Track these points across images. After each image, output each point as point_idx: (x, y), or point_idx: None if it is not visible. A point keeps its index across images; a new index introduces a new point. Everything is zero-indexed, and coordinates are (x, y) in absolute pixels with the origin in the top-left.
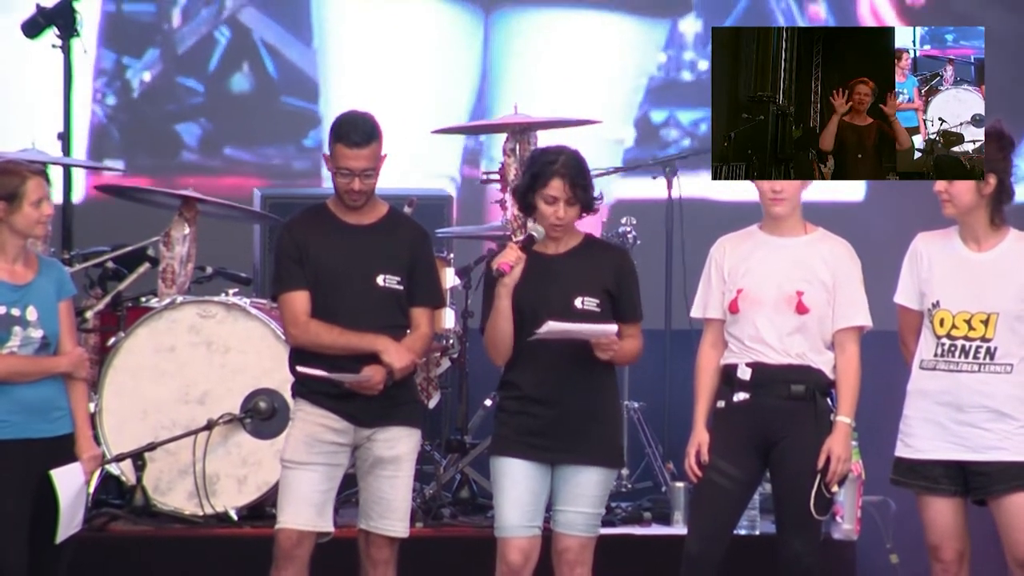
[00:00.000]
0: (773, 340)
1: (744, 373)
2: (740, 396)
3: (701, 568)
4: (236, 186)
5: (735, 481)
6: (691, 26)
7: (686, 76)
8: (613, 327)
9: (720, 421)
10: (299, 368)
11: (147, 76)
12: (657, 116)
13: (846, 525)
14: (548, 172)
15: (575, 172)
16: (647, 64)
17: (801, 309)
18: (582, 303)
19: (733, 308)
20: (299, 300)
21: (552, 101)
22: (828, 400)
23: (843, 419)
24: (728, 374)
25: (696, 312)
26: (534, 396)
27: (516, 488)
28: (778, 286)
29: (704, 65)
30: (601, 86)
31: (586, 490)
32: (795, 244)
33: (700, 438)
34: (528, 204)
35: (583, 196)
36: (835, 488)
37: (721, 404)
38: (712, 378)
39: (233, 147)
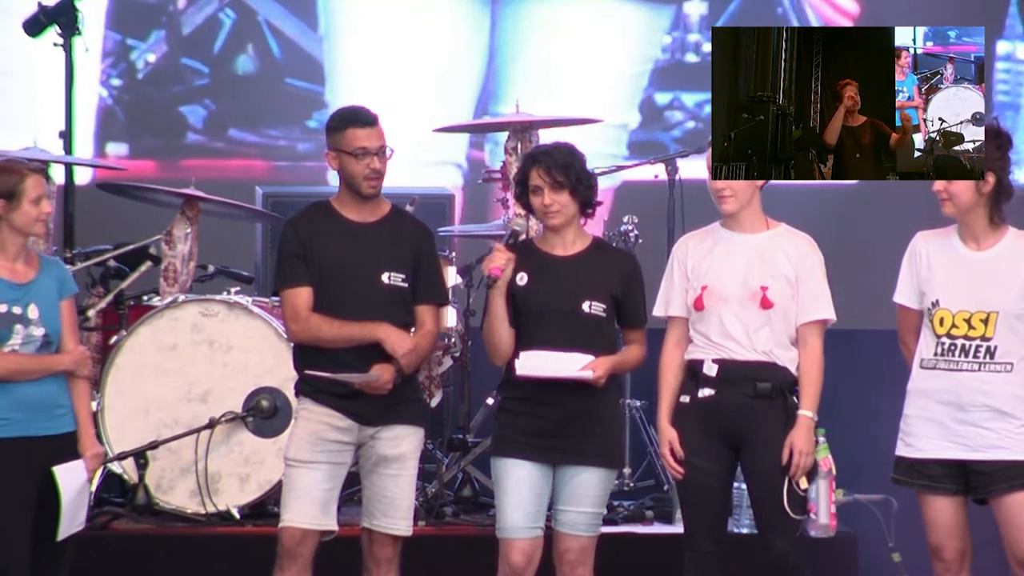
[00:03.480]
0: (740, 336)
1: (710, 369)
2: (705, 392)
3: (711, 564)
4: (241, 168)
5: (716, 476)
6: (696, 8)
7: (691, 58)
8: (589, 373)
9: (685, 417)
10: (308, 371)
11: (152, 58)
12: (662, 98)
13: (821, 522)
14: (526, 167)
15: (550, 159)
16: (651, 50)
17: (766, 304)
18: (589, 307)
19: (698, 305)
20: (301, 296)
21: (557, 88)
22: (795, 398)
23: (805, 413)
24: (693, 370)
25: (659, 310)
26: (536, 396)
27: (518, 489)
28: (743, 282)
29: (709, 47)
30: (605, 72)
31: (587, 490)
32: (757, 239)
33: (669, 435)
34: (525, 203)
35: (567, 181)
36: (804, 483)
37: (685, 399)
38: (676, 376)
39: (238, 129)
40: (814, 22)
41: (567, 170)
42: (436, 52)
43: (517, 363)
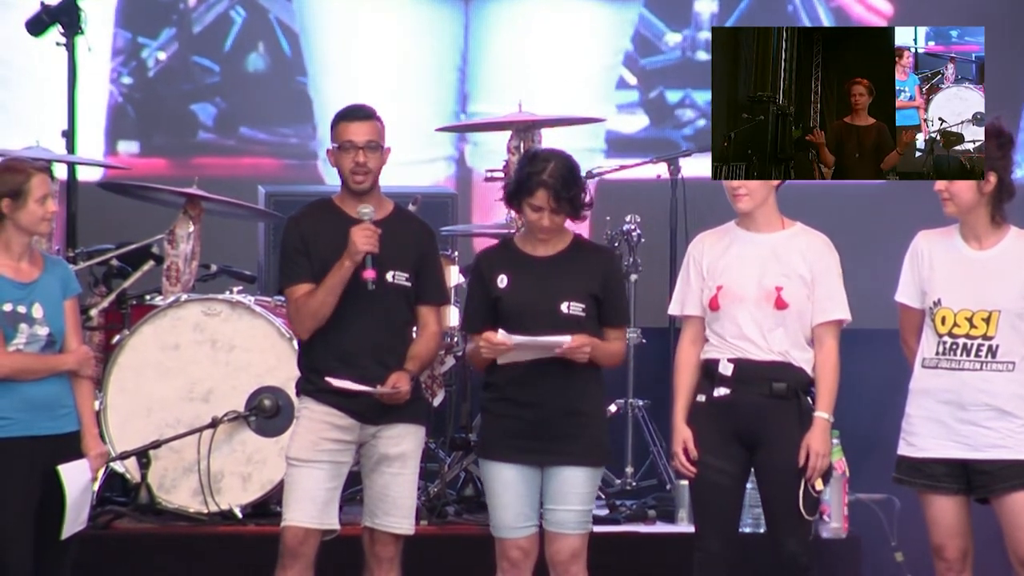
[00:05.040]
0: (756, 336)
1: (726, 368)
2: (721, 391)
3: (721, 564)
4: (251, 166)
5: (730, 476)
6: (707, 6)
7: (702, 56)
8: (565, 337)
9: (701, 417)
10: (328, 379)
11: (162, 56)
12: (672, 96)
13: (834, 524)
14: (533, 182)
15: (560, 183)
16: (620, 41)
17: (780, 304)
18: (568, 308)
19: (714, 305)
20: (301, 292)
21: (533, 85)
22: (810, 399)
23: (821, 414)
24: (709, 369)
25: (674, 309)
26: (517, 398)
27: (508, 492)
28: (758, 282)
29: None
30: (578, 66)
31: (574, 488)
32: (772, 239)
33: (684, 435)
34: (517, 208)
35: (568, 207)
36: (819, 486)
37: (701, 399)
38: (692, 375)
39: (248, 127)
40: (825, 20)
41: (572, 198)
42: (411, 52)
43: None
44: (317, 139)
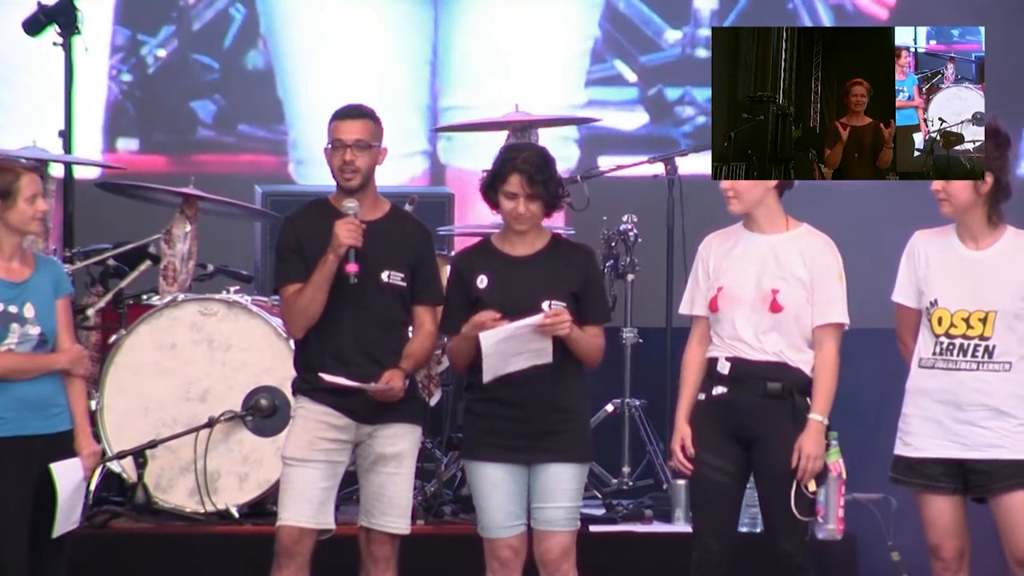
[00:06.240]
0: (750, 337)
1: (723, 367)
2: (719, 390)
3: (718, 564)
4: (251, 163)
5: (728, 475)
6: (707, 3)
7: (701, 53)
8: (537, 316)
9: (700, 415)
10: (322, 375)
11: (162, 53)
12: (672, 93)
13: (829, 525)
14: (507, 168)
15: (534, 168)
16: (590, 28)
17: (775, 307)
18: (550, 306)
19: (713, 307)
20: (293, 291)
21: (502, 77)
22: (807, 399)
23: (815, 416)
24: (710, 367)
25: (684, 309)
26: (500, 398)
27: (496, 492)
28: (756, 284)
29: None
30: (547, 58)
31: (562, 484)
32: (773, 241)
33: (683, 432)
34: (493, 200)
35: (543, 192)
36: (812, 487)
37: (701, 397)
38: (697, 375)
39: (248, 124)
40: (824, 18)
41: (546, 183)
42: (381, 47)
43: (480, 336)
44: (288, 140)
